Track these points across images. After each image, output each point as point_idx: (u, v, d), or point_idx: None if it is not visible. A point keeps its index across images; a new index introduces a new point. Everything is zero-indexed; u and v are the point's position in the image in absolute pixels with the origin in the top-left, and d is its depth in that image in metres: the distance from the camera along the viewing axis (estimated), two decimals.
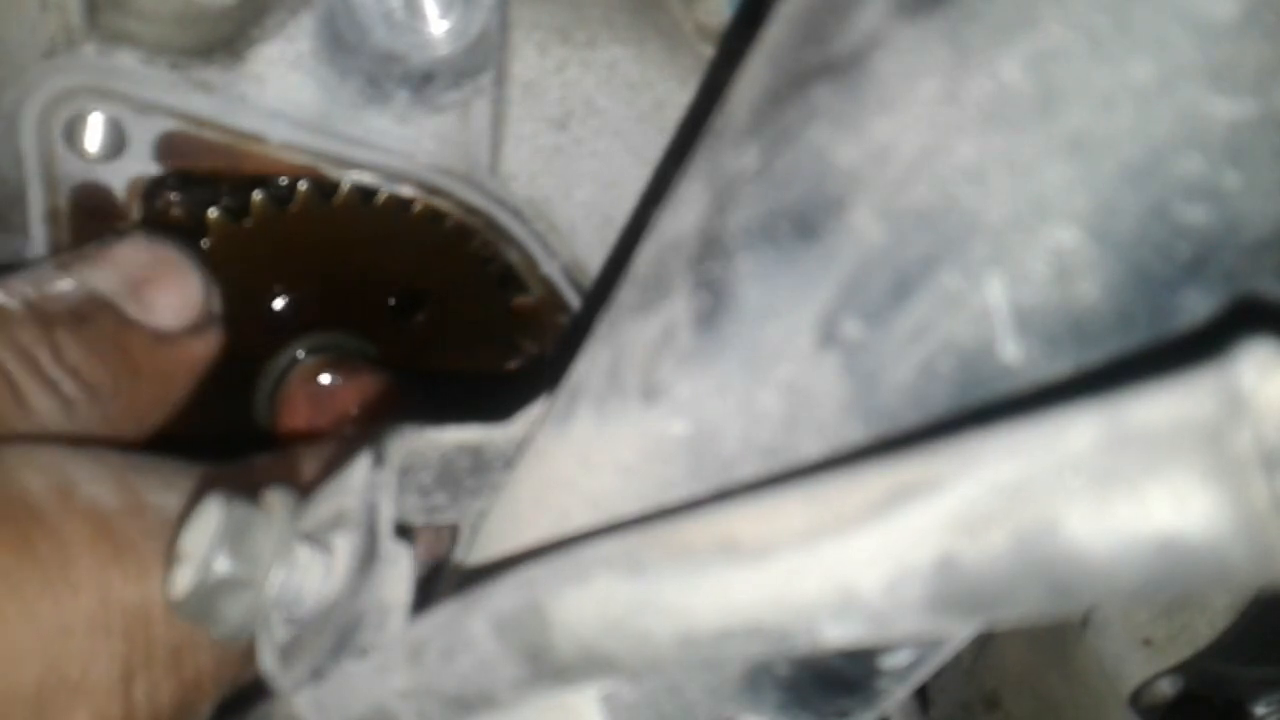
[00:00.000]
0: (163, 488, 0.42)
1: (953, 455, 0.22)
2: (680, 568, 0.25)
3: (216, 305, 0.52)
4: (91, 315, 0.47)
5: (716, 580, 0.25)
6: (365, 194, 0.57)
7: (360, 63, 0.54)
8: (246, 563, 0.36)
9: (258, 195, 0.57)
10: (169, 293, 0.50)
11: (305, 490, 0.39)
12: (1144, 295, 0.26)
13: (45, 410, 0.44)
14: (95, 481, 0.40)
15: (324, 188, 0.57)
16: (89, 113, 0.54)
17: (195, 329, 0.51)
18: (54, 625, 0.36)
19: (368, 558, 0.35)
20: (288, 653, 0.36)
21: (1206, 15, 0.25)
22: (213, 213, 0.57)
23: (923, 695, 0.83)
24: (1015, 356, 0.26)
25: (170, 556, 0.38)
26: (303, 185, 0.56)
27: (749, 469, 0.30)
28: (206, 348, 0.51)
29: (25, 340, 0.44)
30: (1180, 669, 0.78)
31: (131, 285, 0.49)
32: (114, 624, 0.38)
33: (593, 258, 0.61)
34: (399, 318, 0.62)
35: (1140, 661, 0.78)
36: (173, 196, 0.56)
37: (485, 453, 0.40)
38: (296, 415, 0.60)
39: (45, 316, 0.46)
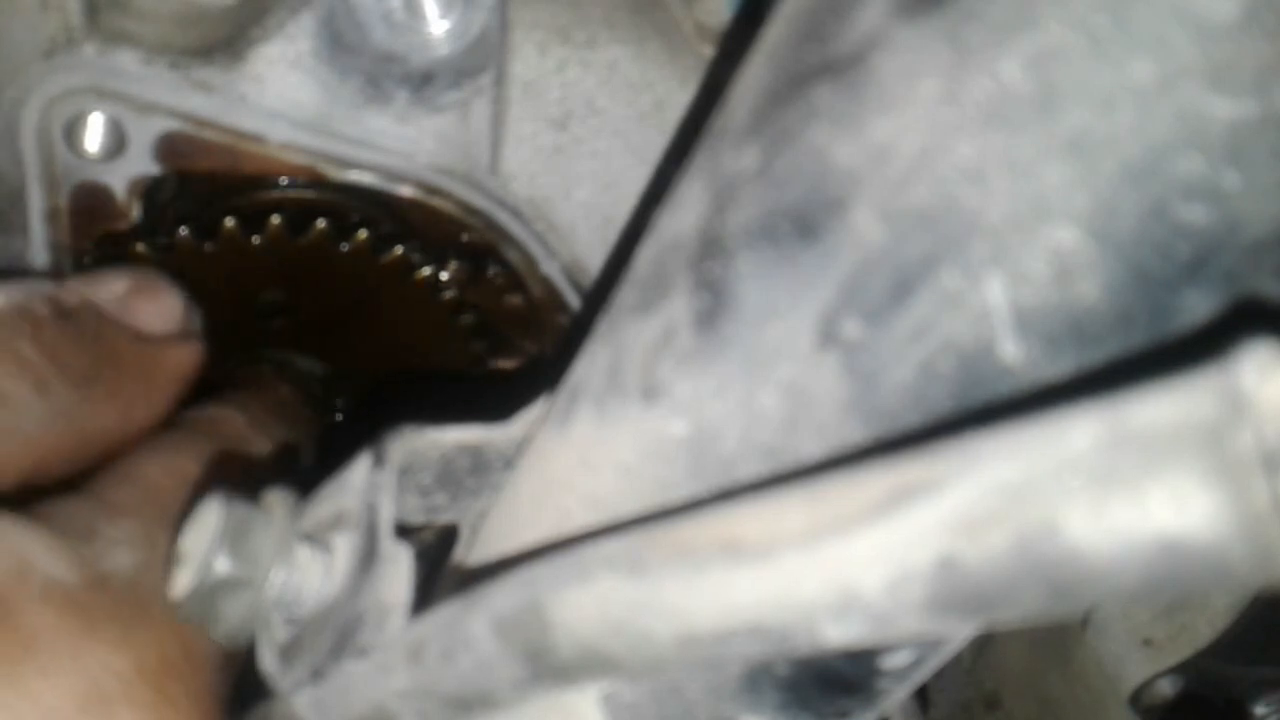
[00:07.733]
0: (113, 548, 0.42)
1: (953, 456, 0.22)
2: (680, 568, 0.25)
3: (197, 323, 0.54)
4: (75, 312, 0.49)
5: (717, 581, 0.25)
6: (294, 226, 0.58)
7: (360, 63, 0.54)
8: (246, 563, 0.36)
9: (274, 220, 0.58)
10: (151, 302, 0.52)
11: None
12: (1144, 295, 0.26)
13: (20, 395, 0.44)
14: (51, 555, 0.39)
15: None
16: (89, 113, 0.54)
17: (177, 337, 0.53)
18: (36, 714, 0.36)
19: (367, 558, 0.35)
20: (288, 653, 0.36)
21: (1206, 15, 0.25)
22: (229, 222, 0.58)
23: (923, 695, 0.82)
24: (1015, 356, 0.26)
25: (170, 557, 0.38)
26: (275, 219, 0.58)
27: (749, 469, 0.30)
28: (189, 356, 0.53)
29: (4, 333, 0.45)
30: (1180, 669, 0.78)
31: (115, 295, 0.51)
32: (113, 693, 0.38)
33: (593, 258, 0.60)
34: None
35: (1140, 661, 0.78)
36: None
37: (485, 453, 0.40)
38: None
39: (27, 310, 0.47)
